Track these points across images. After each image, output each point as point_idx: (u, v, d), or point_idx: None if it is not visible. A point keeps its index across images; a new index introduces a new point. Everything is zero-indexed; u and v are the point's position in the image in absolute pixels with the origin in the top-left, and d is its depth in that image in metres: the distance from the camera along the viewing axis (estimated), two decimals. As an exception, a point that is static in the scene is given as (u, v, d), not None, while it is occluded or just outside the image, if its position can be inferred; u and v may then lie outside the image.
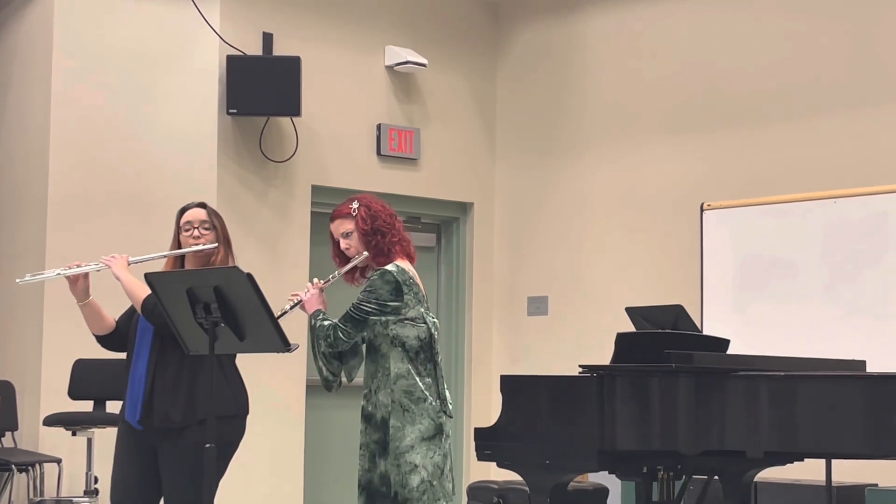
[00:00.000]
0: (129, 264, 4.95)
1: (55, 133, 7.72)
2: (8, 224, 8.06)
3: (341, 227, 5.06)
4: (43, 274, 5.02)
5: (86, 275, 4.95)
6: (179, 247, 5.02)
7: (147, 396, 4.82)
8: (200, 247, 4.93)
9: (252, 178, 8.11)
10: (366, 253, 5.02)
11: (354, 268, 5.08)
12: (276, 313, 4.79)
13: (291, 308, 5.02)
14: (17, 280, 5.11)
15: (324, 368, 5.01)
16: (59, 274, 4.92)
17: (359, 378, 5.15)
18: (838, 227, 7.15)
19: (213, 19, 7.93)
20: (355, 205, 5.06)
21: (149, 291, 4.73)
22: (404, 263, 5.01)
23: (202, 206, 5.07)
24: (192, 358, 4.75)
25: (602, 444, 5.00)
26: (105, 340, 5.07)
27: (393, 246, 5.02)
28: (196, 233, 4.98)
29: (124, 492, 4.91)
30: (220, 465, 4.81)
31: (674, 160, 8.33)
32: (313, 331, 4.99)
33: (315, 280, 5.12)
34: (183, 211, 5.06)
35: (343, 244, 5.06)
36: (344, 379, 5.09)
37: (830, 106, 7.67)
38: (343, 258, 5.09)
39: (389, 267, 4.96)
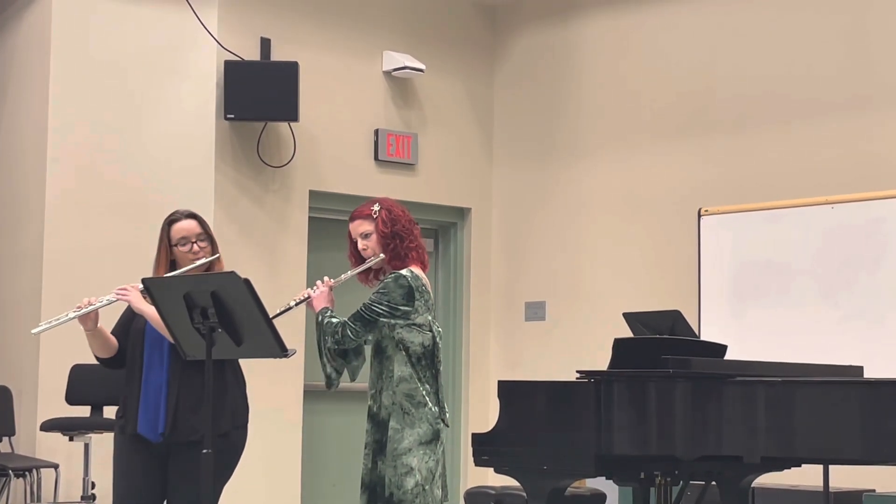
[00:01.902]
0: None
1: (53, 138, 7.72)
2: (6, 228, 8.06)
3: (360, 227, 5.10)
4: (57, 319, 4.84)
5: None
6: (170, 257, 4.95)
7: (172, 411, 4.78)
8: (202, 261, 4.90)
9: (250, 183, 8.11)
10: (382, 255, 5.07)
11: (369, 269, 5.13)
12: (280, 309, 4.82)
13: (297, 304, 5.05)
14: (32, 331, 5.01)
15: (327, 365, 5.04)
16: (73, 316, 4.80)
17: (360, 382, 5.16)
18: (836, 233, 7.15)
19: (210, 24, 7.93)
20: (377, 207, 5.10)
21: None
22: (418, 270, 5.06)
23: (192, 216, 4.97)
24: (215, 371, 4.63)
25: (599, 450, 5.00)
26: (110, 362, 4.99)
27: (409, 252, 5.07)
28: (195, 248, 4.92)
29: (132, 500, 4.87)
30: (230, 471, 4.82)
31: (671, 165, 8.34)
32: (320, 327, 5.02)
33: (325, 278, 5.14)
34: (171, 222, 4.95)
35: (361, 244, 5.10)
36: (347, 378, 5.11)
37: (828, 111, 7.67)
38: (358, 258, 5.13)
39: (404, 272, 5.01)
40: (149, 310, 4.81)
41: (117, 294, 4.85)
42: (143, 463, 4.84)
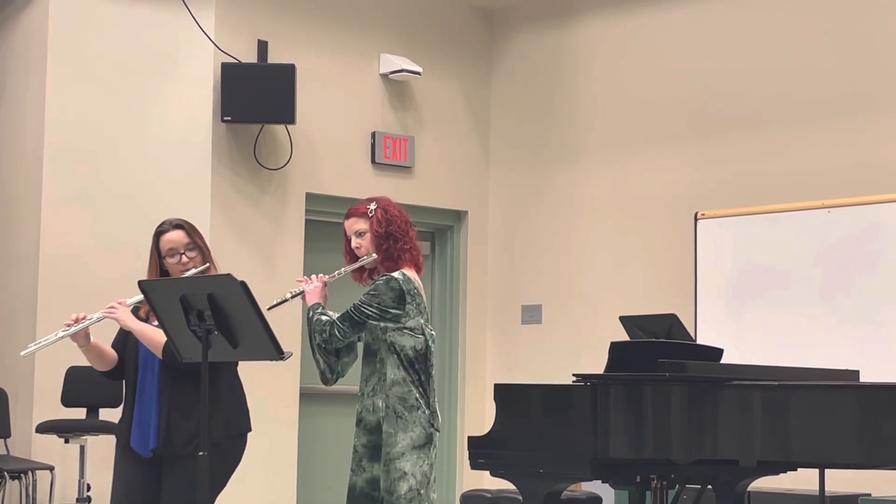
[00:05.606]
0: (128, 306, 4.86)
1: (49, 140, 7.71)
2: (2, 230, 8.05)
3: (355, 225, 5.08)
4: (45, 340, 4.83)
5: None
6: (160, 269, 4.94)
7: (164, 427, 4.77)
8: (192, 272, 4.88)
9: (246, 185, 8.11)
10: (375, 255, 5.04)
11: (363, 267, 5.11)
12: (277, 301, 4.83)
13: (293, 297, 5.04)
14: (21, 353, 5.00)
15: (321, 361, 5.04)
16: (62, 335, 4.79)
17: (356, 385, 5.15)
18: (832, 237, 7.15)
19: (207, 26, 7.93)
20: (373, 206, 5.08)
21: (164, 336, 4.66)
22: (411, 272, 5.04)
23: (179, 226, 4.95)
24: (209, 378, 4.57)
25: (595, 453, 5.00)
26: (111, 374, 4.99)
27: (403, 253, 5.04)
28: (184, 258, 4.90)
29: None
30: (223, 481, 4.81)
31: (668, 168, 8.34)
32: (310, 323, 5.01)
33: (320, 274, 5.13)
34: (159, 234, 4.94)
35: (354, 242, 5.08)
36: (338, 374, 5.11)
37: (825, 115, 7.68)
38: (353, 256, 5.12)
39: (396, 274, 4.98)
40: (136, 326, 4.83)
41: (104, 313, 4.84)
42: (139, 471, 4.84)
